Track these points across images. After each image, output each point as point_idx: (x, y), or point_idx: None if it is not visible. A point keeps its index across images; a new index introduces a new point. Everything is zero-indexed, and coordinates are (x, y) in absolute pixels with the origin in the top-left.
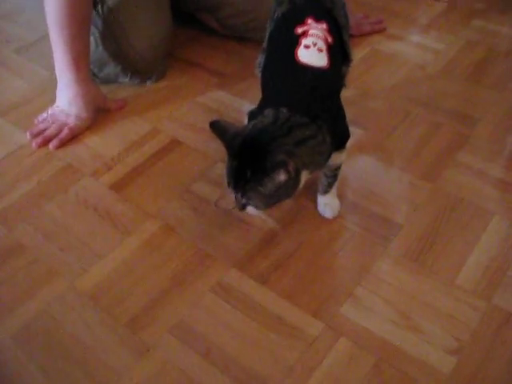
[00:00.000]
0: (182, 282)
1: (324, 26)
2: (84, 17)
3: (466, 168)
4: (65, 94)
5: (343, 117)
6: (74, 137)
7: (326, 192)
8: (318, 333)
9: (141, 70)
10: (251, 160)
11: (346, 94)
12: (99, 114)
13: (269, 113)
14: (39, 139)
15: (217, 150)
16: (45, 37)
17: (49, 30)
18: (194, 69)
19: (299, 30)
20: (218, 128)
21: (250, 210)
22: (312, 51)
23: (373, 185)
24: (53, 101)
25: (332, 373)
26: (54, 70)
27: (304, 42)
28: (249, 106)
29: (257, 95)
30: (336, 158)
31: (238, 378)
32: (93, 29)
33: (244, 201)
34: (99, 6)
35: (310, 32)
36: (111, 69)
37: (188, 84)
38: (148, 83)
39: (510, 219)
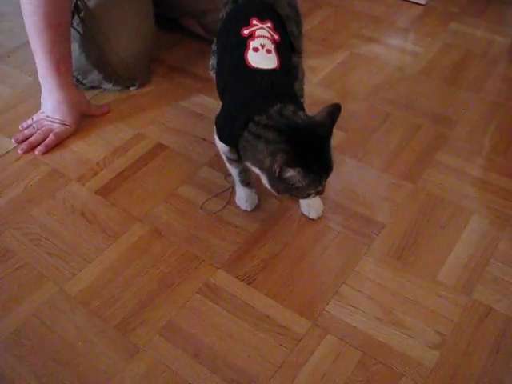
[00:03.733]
0: (170, 284)
1: (269, 24)
2: (60, 22)
3: (445, 168)
4: (49, 100)
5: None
6: (60, 142)
7: None
8: (304, 331)
9: (124, 77)
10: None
11: (325, 97)
12: (84, 120)
13: (278, 111)
14: (25, 145)
15: (201, 153)
16: (27, 43)
17: (28, 36)
18: (177, 74)
19: (245, 32)
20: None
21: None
22: (261, 54)
23: (355, 185)
24: (37, 106)
25: (319, 369)
26: (37, 75)
27: (252, 44)
28: None
29: None
30: None
31: (228, 377)
32: (75, 35)
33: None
34: (81, 12)
35: (257, 33)
36: (95, 76)
37: (172, 89)
38: (132, 89)
39: (489, 217)
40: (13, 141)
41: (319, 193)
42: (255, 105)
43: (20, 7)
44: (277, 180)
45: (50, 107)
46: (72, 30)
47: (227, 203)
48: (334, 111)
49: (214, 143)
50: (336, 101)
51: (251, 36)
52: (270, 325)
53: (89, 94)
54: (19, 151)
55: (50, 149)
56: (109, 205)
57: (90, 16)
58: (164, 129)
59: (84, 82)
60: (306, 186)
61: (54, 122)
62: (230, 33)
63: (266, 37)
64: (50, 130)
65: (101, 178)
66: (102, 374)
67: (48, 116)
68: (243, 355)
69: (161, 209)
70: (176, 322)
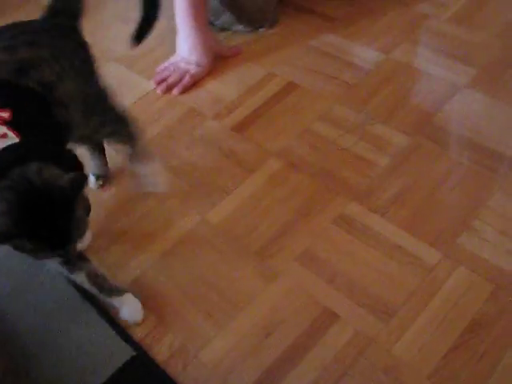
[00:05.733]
0: (306, 215)
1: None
2: None
3: None
4: (185, 43)
5: None
6: (195, 83)
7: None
8: (436, 261)
9: (255, 18)
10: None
11: (456, 33)
12: (217, 61)
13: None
14: (163, 86)
15: (333, 91)
16: None
17: None
18: (305, 14)
19: None
20: None
21: None
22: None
23: (486, 121)
24: (172, 49)
25: (450, 299)
26: (172, 19)
27: None
28: (360, 48)
29: (368, 37)
30: None
31: (362, 302)
32: None
33: None
34: None
35: None
36: (226, 17)
37: (300, 29)
38: (261, 30)
39: None
40: (152, 82)
41: (66, 262)
42: None
43: None
44: None
45: (187, 50)
46: None
47: (359, 139)
48: (80, 181)
49: (344, 83)
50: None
51: None
52: (402, 255)
53: (220, 36)
54: (158, 91)
55: (186, 89)
56: (244, 140)
57: None
58: (294, 68)
59: (216, 23)
60: (31, 251)
61: (189, 63)
62: None
63: None
64: (186, 72)
65: (236, 116)
66: (243, 296)
67: (184, 58)
68: (377, 282)
69: (295, 144)
70: (312, 249)
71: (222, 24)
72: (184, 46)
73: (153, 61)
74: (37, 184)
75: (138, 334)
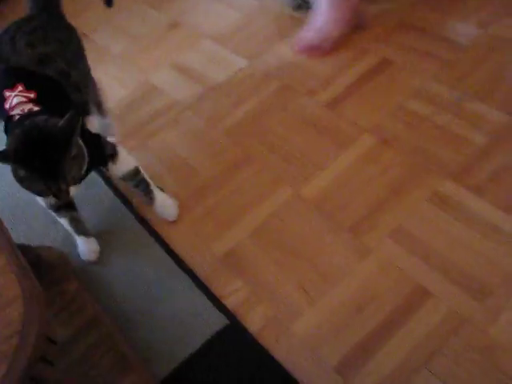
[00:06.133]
0: (399, 192)
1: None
2: None
3: None
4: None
5: None
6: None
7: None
8: None
9: None
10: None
11: None
12: None
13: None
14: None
15: (426, 68)
16: None
17: None
18: None
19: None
20: None
21: None
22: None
23: None
24: (264, 27)
25: None
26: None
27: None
28: (456, 23)
29: (466, 11)
30: None
31: (458, 281)
32: None
33: None
34: None
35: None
36: None
37: (395, 7)
38: None
39: None
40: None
41: (55, 195)
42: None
43: None
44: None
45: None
46: None
47: (454, 116)
48: (73, 120)
49: (439, 59)
50: None
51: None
52: (499, 235)
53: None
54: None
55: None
56: (337, 117)
57: None
58: (387, 44)
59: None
60: (25, 180)
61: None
62: None
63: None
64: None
65: (329, 92)
66: (337, 270)
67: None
68: (472, 261)
69: (388, 121)
70: (405, 226)
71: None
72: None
73: (244, 38)
74: (40, 126)
75: (231, 304)
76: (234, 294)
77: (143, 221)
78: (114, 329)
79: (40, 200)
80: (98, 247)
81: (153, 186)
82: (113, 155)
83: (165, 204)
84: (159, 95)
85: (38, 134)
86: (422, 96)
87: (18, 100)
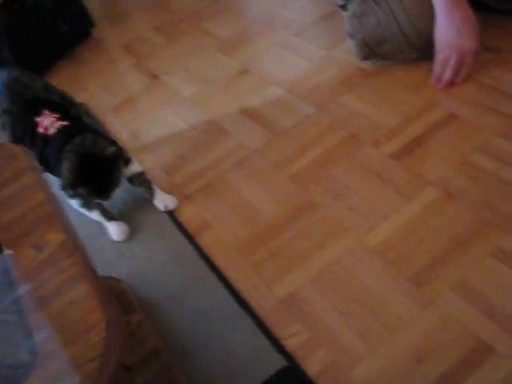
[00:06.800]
0: (463, 245)
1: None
2: None
3: None
4: (452, 25)
5: None
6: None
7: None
8: None
9: (416, 46)
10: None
11: None
12: (372, 88)
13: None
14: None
15: (494, 124)
16: (319, 20)
17: None
18: None
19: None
20: None
21: None
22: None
23: None
24: (332, 76)
25: None
26: (329, 49)
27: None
28: None
29: None
30: None
31: None
32: (377, 10)
33: None
34: None
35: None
36: (389, 46)
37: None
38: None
39: None
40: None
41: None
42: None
43: None
44: None
45: (455, 31)
46: (370, 1)
47: None
48: (118, 147)
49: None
50: None
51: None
52: None
53: (380, 66)
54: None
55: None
56: (402, 168)
57: None
58: (455, 99)
59: (377, 52)
60: (84, 196)
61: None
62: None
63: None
64: (463, 55)
65: (394, 143)
66: (397, 319)
67: (450, 43)
68: None
69: (453, 174)
70: (468, 280)
71: (382, 53)
72: (452, 27)
73: (313, 87)
74: (91, 151)
75: (291, 346)
76: (293, 336)
77: (207, 259)
78: (174, 362)
79: (73, 202)
80: (127, 228)
81: (153, 185)
82: (127, 160)
83: (164, 196)
84: (226, 137)
85: (93, 160)
86: (487, 151)
87: (49, 121)
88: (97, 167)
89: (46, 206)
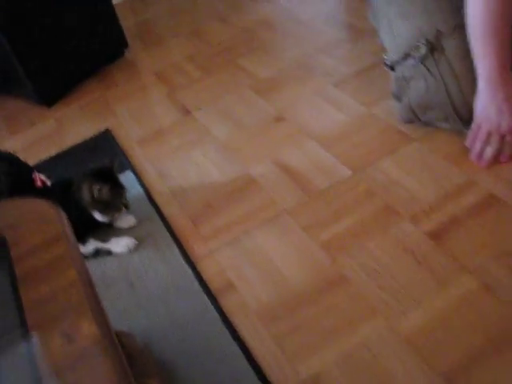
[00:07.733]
0: (499, 347)
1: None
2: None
3: None
4: (493, 102)
5: None
6: None
7: None
8: None
9: (463, 118)
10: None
11: None
12: (423, 157)
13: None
14: (484, 160)
15: None
16: (359, 72)
17: (475, 40)
18: None
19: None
20: None
21: None
22: None
23: None
24: (371, 137)
25: None
26: (369, 105)
27: None
28: None
29: None
30: None
31: None
32: (424, 72)
33: None
34: (435, 54)
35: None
36: (434, 113)
37: None
38: (465, 131)
39: None
40: (472, 157)
41: (126, 206)
42: None
43: None
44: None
45: (495, 108)
46: (421, 66)
47: None
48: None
49: None
50: None
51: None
52: None
53: (421, 132)
54: (480, 165)
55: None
56: (439, 249)
57: (446, 60)
58: (498, 179)
59: (421, 118)
60: (112, 198)
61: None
62: None
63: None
64: (503, 134)
65: (432, 221)
66: None
67: (491, 119)
68: None
69: (491, 264)
70: None
71: (427, 120)
72: (492, 107)
73: (350, 146)
74: (100, 167)
75: None
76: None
77: (230, 325)
78: None
79: (101, 217)
80: (133, 240)
81: None
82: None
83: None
84: (258, 191)
85: (104, 171)
86: None
87: (43, 176)
88: (109, 175)
89: (77, 286)
